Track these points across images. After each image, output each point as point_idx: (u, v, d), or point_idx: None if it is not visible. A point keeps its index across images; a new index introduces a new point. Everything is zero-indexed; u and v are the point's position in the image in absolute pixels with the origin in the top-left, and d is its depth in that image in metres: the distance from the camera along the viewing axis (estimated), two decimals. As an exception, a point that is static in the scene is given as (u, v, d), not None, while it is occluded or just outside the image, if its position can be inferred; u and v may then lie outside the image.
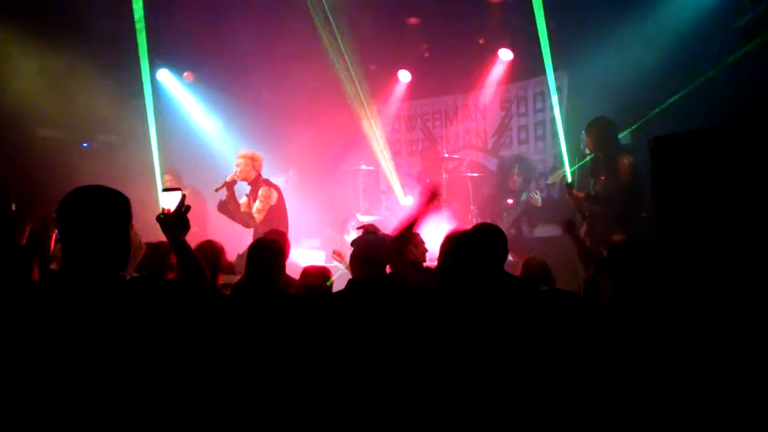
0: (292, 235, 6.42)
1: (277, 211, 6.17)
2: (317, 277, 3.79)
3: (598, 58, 6.61)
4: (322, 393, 2.76)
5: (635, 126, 6.13)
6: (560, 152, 6.79)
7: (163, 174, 7.24)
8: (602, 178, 5.60)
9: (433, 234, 4.29)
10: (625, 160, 5.42)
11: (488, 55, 8.18)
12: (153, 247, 3.74)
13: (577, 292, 3.82)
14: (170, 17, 7.10)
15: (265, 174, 6.44)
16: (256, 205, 6.10)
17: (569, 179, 6.06)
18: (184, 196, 2.18)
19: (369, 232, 3.59)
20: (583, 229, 5.71)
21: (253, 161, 6.23)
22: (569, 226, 4.29)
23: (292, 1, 7.32)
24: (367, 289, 3.05)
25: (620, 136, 5.91)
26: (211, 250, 3.55)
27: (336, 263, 4.98)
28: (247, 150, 6.35)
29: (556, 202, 7.58)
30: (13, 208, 6.64)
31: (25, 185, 6.80)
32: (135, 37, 6.93)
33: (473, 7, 7.80)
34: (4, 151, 6.81)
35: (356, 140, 9.22)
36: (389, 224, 5.79)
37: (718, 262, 2.88)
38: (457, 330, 2.54)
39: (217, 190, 6.11)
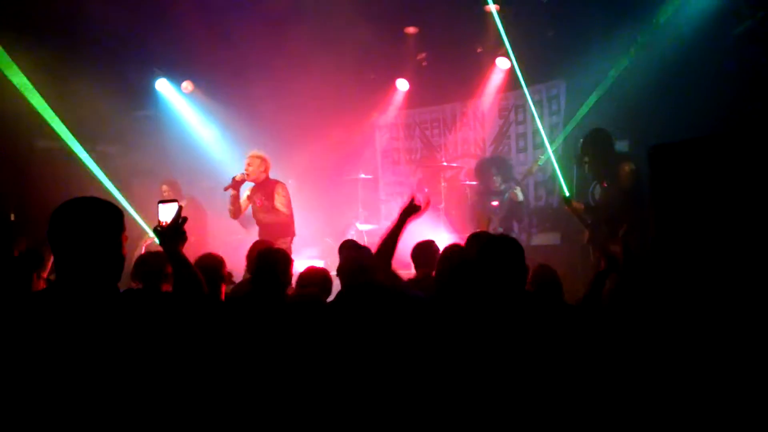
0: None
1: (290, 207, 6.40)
2: (314, 285, 3.78)
3: (595, 65, 6.63)
4: (328, 400, 2.76)
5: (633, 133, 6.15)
6: (553, 168, 6.81)
7: (160, 185, 7.25)
8: (604, 184, 5.60)
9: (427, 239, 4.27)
10: (626, 167, 5.43)
11: (486, 64, 8.21)
12: (152, 257, 3.74)
13: (577, 301, 3.80)
14: (169, 27, 7.12)
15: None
16: (280, 200, 6.25)
17: (567, 193, 6.07)
18: (180, 208, 2.17)
19: (350, 247, 3.63)
20: (585, 236, 5.71)
21: (265, 162, 6.35)
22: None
23: (292, 11, 7.35)
24: (364, 294, 3.06)
25: (619, 143, 5.92)
26: (211, 262, 3.55)
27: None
28: (258, 150, 6.44)
29: (555, 210, 7.58)
30: (12, 218, 6.64)
31: (24, 196, 6.81)
32: (134, 47, 6.97)
33: (471, 16, 7.83)
34: (2, 162, 6.82)
35: (355, 149, 9.25)
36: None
37: (715, 265, 2.89)
38: (464, 342, 2.54)
39: (226, 189, 6.19)
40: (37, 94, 6.80)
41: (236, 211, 6.36)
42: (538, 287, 3.62)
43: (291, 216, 6.33)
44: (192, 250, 2.25)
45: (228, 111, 8.76)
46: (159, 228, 2.15)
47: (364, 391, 2.72)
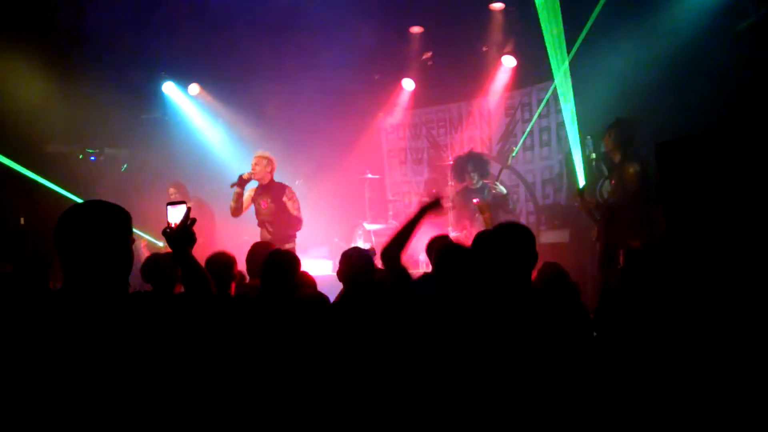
0: (299, 244, 6.48)
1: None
2: (307, 286, 3.80)
3: (600, 62, 6.61)
4: (335, 397, 2.77)
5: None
6: (570, 156, 6.77)
7: (168, 188, 7.28)
8: (613, 182, 5.58)
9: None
10: (631, 169, 5.41)
11: (492, 63, 8.20)
12: (161, 258, 3.76)
13: (584, 298, 3.80)
14: (176, 29, 7.16)
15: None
16: (294, 205, 6.34)
17: (581, 185, 6.02)
18: (189, 210, 2.18)
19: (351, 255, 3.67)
20: (594, 233, 5.69)
21: (271, 163, 6.39)
22: (610, 215, 4.17)
23: (297, 13, 7.37)
24: (366, 292, 3.09)
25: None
26: (223, 260, 3.56)
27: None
28: (264, 151, 6.47)
29: (563, 207, 7.56)
30: (22, 222, 6.70)
31: (34, 200, 6.86)
32: (141, 51, 7.01)
33: (476, 14, 7.83)
34: (12, 167, 6.87)
35: (362, 150, 9.25)
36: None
37: (725, 261, 2.88)
38: (468, 338, 2.53)
39: (233, 186, 6.26)
40: (46, 98, 6.85)
41: (238, 209, 6.38)
42: (545, 285, 3.60)
43: (301, 220, 6.39)
44: (199, 252, 2.26)
45: (234, 113, 8.79)
46: (168, 230, 2.15)
47: (368, 388, 2.74)
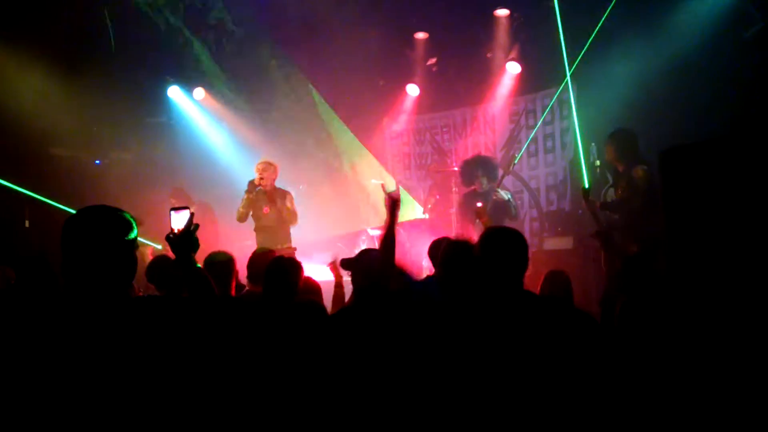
0: (302, 250, 6.48)
1: None
2: (312, 293, 3.79)
3: (605, 69, 6.61)
4: (336, 403, 2.77)
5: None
6: (578, 160, 6.73)
7: (169, 196, 7.25)
8: (619, 190, 5.55)
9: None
10: (640, 171, 5.37)
11: (496, 69, 8.20)
12: (168, 261, 3.76)
13: (588, 306, 3.79)
14: (182, 33, 7.19)
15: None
16: (291, 208, 6.39)
17: (586, 185, 5.99)
18: (192, 215, 2.18)
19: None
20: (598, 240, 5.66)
21: (276, 170, 6.44)
22: (606, 239, 4.16)
23: (302, 18, 7.40)
24: (376, 297, 3.09)
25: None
26: (220, 260, 3.55)
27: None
28: (268, 158, 6.52)
29: (567, 214, 7.54)
30: (27, 225, 6.71)
31: (39, 203, 6.87)
32: (147, 55, 7.03)
33: (481, 21, 7.84)
34: (18, 170, 6.89)
35: (366, 155, 9.27)
36: (400, 237, 5.79)
37: (727, 269, 2.87)
38: (466, 345, 2.53)
39: (249, 192, 6.34)
40: (52, 102, 6.88)
41: (246, 215, 6.43)
42: (549, 293, 3.60)
43: (296, 214, 6.48)
44: (202, 256, 2.26)
45: (238, 118, 8.81)
46: (171, 235, 2.16)
47: (367, 393, 2.73)
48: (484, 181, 6.85)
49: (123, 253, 1.92)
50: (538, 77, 7.80)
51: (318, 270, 6.93)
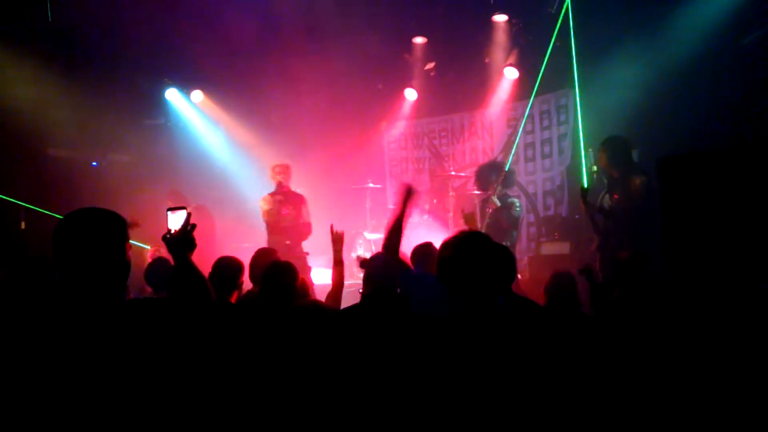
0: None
1: None
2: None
3: (604, 75, 6.62)
4: (333, 408, 2.76)
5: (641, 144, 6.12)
6: (579, 164, 6.72)
7: (165, 198, 7.23)
8: (615, 196, 5.56)
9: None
10: (637, 180, 5.38)
11: (494, 74, 8.23)
12: (167, 263, 3.75)
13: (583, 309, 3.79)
14: (180, 36, 7.19)
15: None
16: (307, 211, 6.58)
17: (585, 185, 5.99)
18: (189, 215, 2.18)
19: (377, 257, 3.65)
20: (594, 243, 5.67)
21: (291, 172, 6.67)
22: (588, 274, 4.16)
23: (300, 22, 7.41)
24: (384, 300, 3.09)
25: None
26: (232, 265, 3.54)
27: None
28: (282, 161, 6.71)
29: (564, 220, 7.56)
30: (23, 226, 6.69)
31: (36, 204, 6.85)
32: (145, 57, 7.03)
33: (479, 26, 7.86)
34: (15, 171, 6.88)
35: (364, 159, 9.27)
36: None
37: (725, 277, 2.88)
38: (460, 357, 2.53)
39: (280, 204, 6.47)
40: (49, 103, 6.87)
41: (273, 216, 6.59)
42: (555, 296, 3.58)
43: (310, 226, 6.62)
44: (199, 257, 2.26)
45: (237, 120, 8.81)
46: (168, 236, 2.15)
47: (365, 399, 2.73)
48: (499, 188, 6.78)
49: (115, 255, 1.91)
50: (536, 83, 7.81)
51: (314, 273, 6.94)
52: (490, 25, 7.85)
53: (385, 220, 8.81)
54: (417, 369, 2.50)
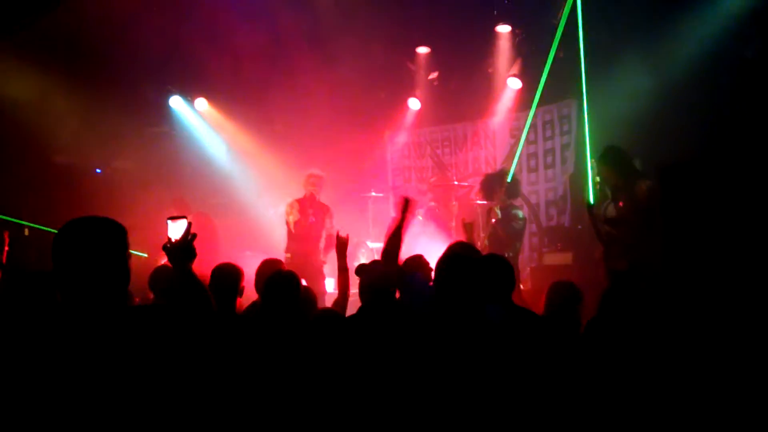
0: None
1: None
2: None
3: (606, 86, 6.63)
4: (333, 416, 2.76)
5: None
6: (585, 175, 6.70)
7: (169, 205, 7.23)
8: (621, 204, 5.56)
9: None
10: (643, 185, 5.37)
11: (497, 84, 8.24)
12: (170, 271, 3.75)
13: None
14: (185, 44, 7.23)
15: (277, 200, 6.55)
16: (331, 223, 6.58)
17: (591, 200, 5.97)
18: (190, 225, 2.18)
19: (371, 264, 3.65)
20: (598, 253, 5.66)
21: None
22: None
23: (304, 31, 7.44)
24: (376, 316, 3.09)
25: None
26: (229, 272, 3.53)
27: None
28: (316, 170, 6.70)
29: (567, 230, 7.55)
30: (26, 233, 6.71)
31: (40, 210, 6.88)
32: (149, 65, 7.06)
33: (483, 36, 7.89)
34: (19, 177, 6.91)
35: (367, 168, 9.29)
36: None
37: (726, 286, 2.88)
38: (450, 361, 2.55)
39: (306, 210, 6.48)
40: (54, 110, 6.90)
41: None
42: (554, 306, 3.57)
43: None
44: (203, 266, 2.26)
45: (240, 128, 8.84)
46: (168, 245, 2.15)
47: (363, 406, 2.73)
48: (504, 197, 6.74)
49: (115, 264, 1.90)
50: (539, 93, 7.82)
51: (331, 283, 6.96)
52: (493, 36, 7.88)
53: (388, 229, 8.83)
54: (409, 374, 2.51)
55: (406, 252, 3.44)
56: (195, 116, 8.80)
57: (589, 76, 6.73)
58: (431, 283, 3.05)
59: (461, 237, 6.98)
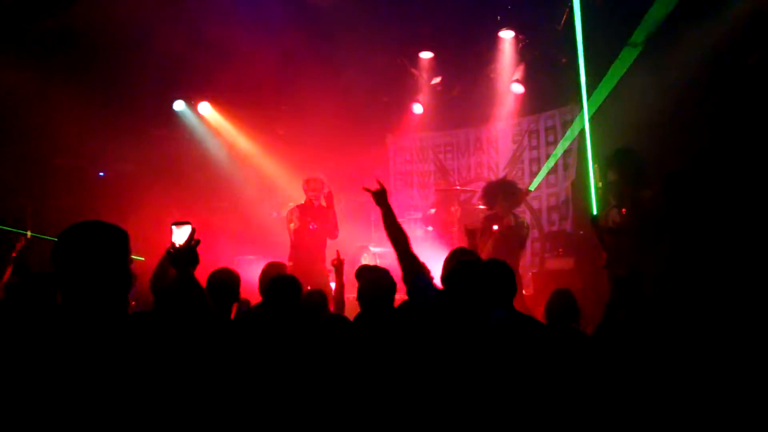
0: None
1: None
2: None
3: (611, 92, 6.64)
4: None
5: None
6: (588, 182, 6.68)
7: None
8: (623, 210, 5.53)
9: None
10: (648, 193, 5.35)
11: (500, 89, 8.25)
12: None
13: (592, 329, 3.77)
14: (188, 48, 7.24)
15: (279, 204, 6.53)
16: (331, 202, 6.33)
17: (595, 212, 5.95)
18: (194, 230, 2.18)
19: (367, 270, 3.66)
20: (602, 260, 5.64)
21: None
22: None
23: (308, 35, 7.46)
24: (376, 322, 3.10)
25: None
26: (227, 277, 3.52)
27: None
28: (316, 173, 6.45)
29: (569, 235, 7.54)
30: (29, 235, 6.72)
31: (42, 213, 6.89)
32: (152, 68, 7.08)
33: (486, 42, 7.90)
34: (22, 179, 6.92)
35: (369, 172, 9.28)
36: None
37: (731, 291, 2.88)
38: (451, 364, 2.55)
39: (306, 216, 6.27)
40: (56, 113, 6.92)
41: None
42: (555, 313, 3.57)
43: (338, 229, 6.45)
44: (202, 271, 2.26)
45: (243, 132, 8.86)
46: (171, 250, 2.15)
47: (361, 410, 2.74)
48: (505, 206, 6.71)
49: (116, 269, 1.90)
50: (542, 99, 7.83)
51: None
52: (496, 41, 7.89)
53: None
54: (413, 379, 2.52)
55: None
56: (198, 120, 8.82)
57: (591, 83, 6.74)
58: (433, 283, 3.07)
59: (462, 242, 6.99)
